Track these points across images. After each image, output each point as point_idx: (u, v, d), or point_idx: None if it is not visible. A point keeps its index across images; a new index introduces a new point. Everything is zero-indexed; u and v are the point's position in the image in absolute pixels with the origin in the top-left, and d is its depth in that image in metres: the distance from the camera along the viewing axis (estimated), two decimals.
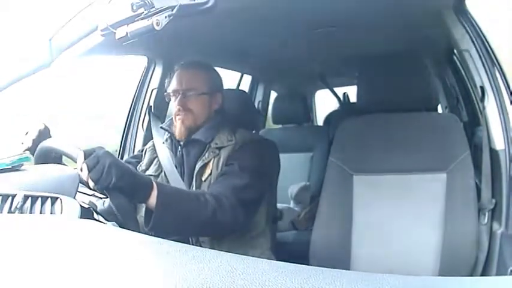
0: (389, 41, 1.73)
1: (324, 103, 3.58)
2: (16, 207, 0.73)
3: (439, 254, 1.21)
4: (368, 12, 1.34)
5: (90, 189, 0.94)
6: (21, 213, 0.73)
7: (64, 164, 1.03)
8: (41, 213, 0.74)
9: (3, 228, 0.59)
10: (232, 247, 1.17)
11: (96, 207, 1.03)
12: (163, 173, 1.24)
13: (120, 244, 0.54)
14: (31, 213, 0.74)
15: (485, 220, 1.20)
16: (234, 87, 2.39)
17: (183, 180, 1.22)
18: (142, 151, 1.37)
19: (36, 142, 1.04)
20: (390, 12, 1.37)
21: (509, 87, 1.23)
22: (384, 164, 1.31)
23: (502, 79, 1.22)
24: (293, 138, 2.36)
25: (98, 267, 0.45)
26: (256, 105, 2.66)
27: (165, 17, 0.74)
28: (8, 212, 0.73)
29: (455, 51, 1.76)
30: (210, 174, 1.18)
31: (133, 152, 1.67)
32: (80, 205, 0.78)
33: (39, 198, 0.76)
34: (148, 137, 1.59)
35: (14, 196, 0.75)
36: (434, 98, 1.44)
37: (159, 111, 1.64)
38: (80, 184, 0.89)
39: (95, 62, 1.69)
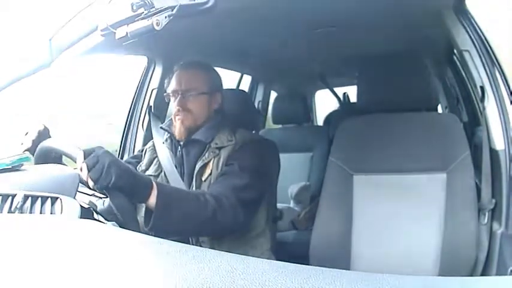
0: (389, 41, 1.73)
1: (324, 103, 3.58)
2: (16, 207, 0.73)
3: (439, 254, 1.21)
4: (368, 12, 1.34)
5: (90, 188, 0.94)
6: (21, 213, 0.73)
7: (64, 164, 1.03)
8: (41, 213, 0.74)
9: (3, 228, 0.59)
10: (232, 247, 1.17)
11: (96, 207, 1.03)
12: (163, 173, 1.24)
13: (120, 244, 0.54)
14: (31, 213, 0.74)
15: (485, 220, 1.19)
16: (234, 87, 2.39)
17: (183, 180, 1.22)
18: (142, 151, 1.37)
19: (36, 142, 1.04)
20: (390, 12, 1.37)
21: (509, 87, 1.23)
22: (384, 164, 1.31)
23: (502, 79, 1.22)
24: (293, 138, 2.36)
25: (98, 267, 0.45)
26: (256, 105, 2.66)
27: (165, 17, 0.74)
28: (8, 212, 0.73)
29: (455, 51, 1.76)
30: (210, 174, 1.18)
31: (133, 152, 1.67)
32: (80, 205, 0.78)
33: (39, 198, 0.76)
34: (148, 137, 1.59)
35: (14, 196, 0.75)
36: (434, 98, 1.44)
37: (159, 111, 1.64)
38: (80, 184, 0.89)
39: (95, 62, 1.69)
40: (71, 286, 0.41)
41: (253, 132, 1.52)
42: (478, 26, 1.25)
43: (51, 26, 1.04)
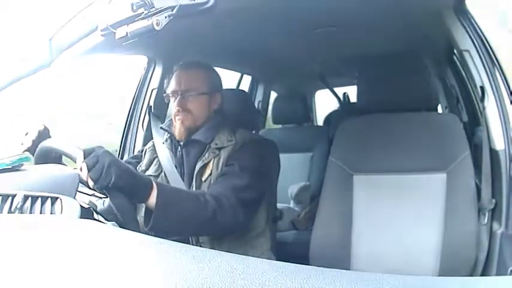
0: (389, 41, 1.73)
1: (324, 103, 3.58)
2: (16, 207, 0.73)
3: (439, 254, 1.21)
4: (368, 12, 1.34)
5: (90, 188, 0.94)
6: (21, 213, 0.73)
7: (64, 164, 1.03)
8: (41, 213, 0.74)
9: (3, 228, 0.59)
10: (232, 247, 1.17)
11: (96, 207, 1.03)
12: (163, 173, 1.24)
13: (120, 244, 0.54)
14: (31, 213, 0.74)
15: (485, 220, 1.20)
16: (234, 87, 2.39)
17: (183, 180, 1.22)
18: (142, 151, 1.36)
19: (36, 142, 1.04)
20: (390, 12, 1.37)
21: (509, 87, 1.23)
22: (384, 164, 1.31)
23: (502, 79, 1.22)
24: (293, 138, 2.36)
25: (98, 267, 0.45)
26: (256, 105, 2.66)
27: (165, 17, 0.74)
28: (8, 212, 0.73)
29: (455, 51, 1.76)
30: (210, 174, 1.18)
31: (134, 152, 1.67)
32: (80, 205, 0.78)
33: (39, 198, 0.76)
34: (148, 137, 1.59)
35: (14, 196, 0.75)
36: (434, 98, 1.44)
37: (159, 111, 1.64)
38: (80, 184, 0.89)
39: (95, 62, 1.69)
40: (71, 286, 0.41)
41: (253, 132, 1.51)
42: (478, 26, 1.25)
43: (51, 26, 1.04)
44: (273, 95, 2.84)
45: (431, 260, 1.21)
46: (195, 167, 1.19)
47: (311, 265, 0.45)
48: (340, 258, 1.26)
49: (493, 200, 1.19)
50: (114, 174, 0.86)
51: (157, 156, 1.28)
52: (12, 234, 0.56)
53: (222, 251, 0.49)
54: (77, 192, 0.87)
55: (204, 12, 0.75)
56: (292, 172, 2.21)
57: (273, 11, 1.30)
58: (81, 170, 0.89)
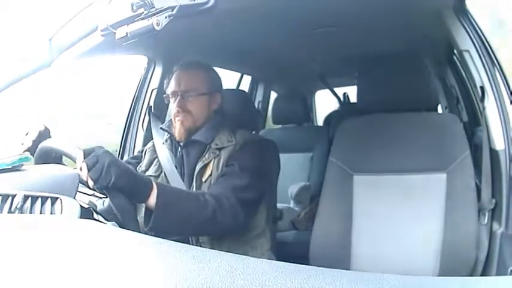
0: (389, 41, 1.73)
1: (324, 103, 3.58)
2: (16, 207, 0.73)
3: (439, 254, 1.21)
4: (368, 12, 1.34)
5: (90, 188, 0.94)
6: (21, 213, 0.73)
7: (64, 164, 1.03)
8: (41, 213, 0.74)
9: (3, 228, 0.59)
10: (232, 247, 1.17)
11: (96, 207, 1.03)
12: (163, 173, 1.24)
13: (120, 244, 0.54)
14: (31, 213, 0.74)
15: (485, 220, 1.20)
16: (234, 87, 2.39)
17: (183, 181, 1.22)
18: (142, 152, 1.36)
19: (36, 142, 1.04)
20: (390, 12, 1.37)
21: (509, 87, 1.23)
22: (384, 164, 1.31)
23: (502, 79, 1.22)
24: (293, 138, 2.36)
25: (98, 267, 0.45)
26: (256, 105, 2.66)
27: (165, 17, 0.74)
28: (8, 212, 0.73)
29: (455, 51, 1.76)
30: (211, 175, 1.18)
31: (133, 152, 1.67)
32: (80, 205, 0.78)
33: (39, 198, 0.76)
34: (148, 137, 1.59)
35: (14, 196, 0.75)
36: (434, 98, 1.44)
37: (159, 111, 1.64)
38: (80, 184, 0.89)
39: (95, 62, 1.69)
40: (71, 286, 0.41)
41: (253, 132, 1.52)
42: (478, 26, 1.25)
43: (51, 26, 1.04)
44: (273, 95, 2.84)
45: (431, 260, 1.21)
46: (195, 167, 1.19)
47: (311, 265, 0.45)
48: (340, 258, 1.26)
49: (493, 200, 1.19)
50: (114, 174, 0.86)
51: (157, 157, 1.28)
52: (12, 234, 0.56)
53: (222, 251, 0.49)
54: (77, 192, 0.87)
55: (204, 12, 0.75)
56: (292, 172, 2.21)
57: (273, 11, 1.30)
58: (81, 170, 0.89)
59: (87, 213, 0.84)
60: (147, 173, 1.27)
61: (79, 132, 2.75)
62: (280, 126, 2.59)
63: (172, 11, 0.74)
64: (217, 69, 1.34)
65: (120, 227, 0.86)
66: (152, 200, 0.94)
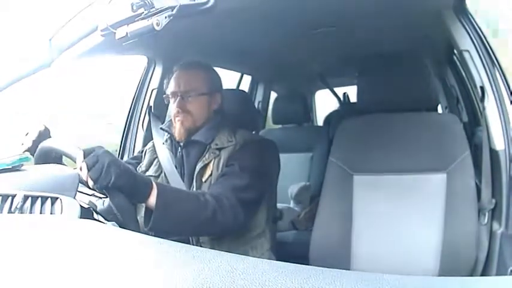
0: (389, 41, 1.73)
1: (324, 103, 3.58)
2: (16, 207, 0.73)
3: (439, 254, 1.21)
4: (368, 12, 1.34)
5: (90, 188, 0.94)
6: (21, 213, 0.73)
7: (64, 164, 1.03)
8: (41, 213, 0.74)
9: (3, 228, 0.59)
10: (232, 247, 1.17)
11: (96, 207, 1.03)
12: (163, 173, 1.24)
13: (120, 244, 0.54)
14: (31, 213, 0.74)
15: (485, 220, 1.20)
16: (234, 87, 2.39)
17: (183, 181, 1.22)
18: (142, 152, 1.36)
19: (36, 142, 1.04)
20: (390, 12, 1.37)
21: (509, 87, 1.23)
22: (384, 164, 1.31)
23: (502, 79, 1.22)
24: (293, 138, 2.36)
25: (98, 267, 0.45)
26: (256, 105, 2.66)
27: (165, 17, 0.74)
28: (8, 212, 0.73)
29: (455, 51, 1.76)
30: (211, 175, 1.18)
31: (133, 152, 1.67)
32: (80, 205, 0.78)
33: (39, 198, 0.76)
34: (148, 137, 1.59)
35: (14, 196, 0.75)
36: (434, 98, 1.44)
37: (159, 111, 1.64)
38: (80, 184, 0.89)
39: (95, 62, 1.69)
40: (71, 286, 0.41)
41: (253, 132, 1.52)
42: (478, 26, 1.25)
43: (51, 26, 1.04)
44: (273, 95, 2.84)
45: (431, 260, 1.21)
46: (195, 167, 1.19)
47: (311, 265, 0.45)
48: (340, 258, 1.26)
49: (493, 200, 1.19)
50: (114, 174, 0.86)
51: (157, 157, 1.28)
52: (12, 234, 0.56)
53: (222, 251, 0.49)
54: (77, 192, 0.87)
55: (204, 12, 0.75)
56: (292, 172, 2.21)
57: (273, 11, 1.30)
58: (81, 169, 0.89)
59: (87, 213, 0.84)
60: (147, 173, 1.27)
61: (80, 132, 2.75)
62: (280, 126, 2.59)
63: (172, 11, 0.74)
64: (217, 69, 1.34)
65: (120, 227, 0.86)
66: (152, 200, 0.94)
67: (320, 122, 3.46)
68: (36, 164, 1.00)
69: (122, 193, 0.88)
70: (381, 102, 1.37)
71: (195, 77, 1.23)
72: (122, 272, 0.44)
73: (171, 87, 1.24)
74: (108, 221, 0.93)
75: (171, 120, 1.26)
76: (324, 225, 1.31)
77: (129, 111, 1.75)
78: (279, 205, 1.62)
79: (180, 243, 0.50)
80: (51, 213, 0.74)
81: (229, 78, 2.36)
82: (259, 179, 1.15)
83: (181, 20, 0.75)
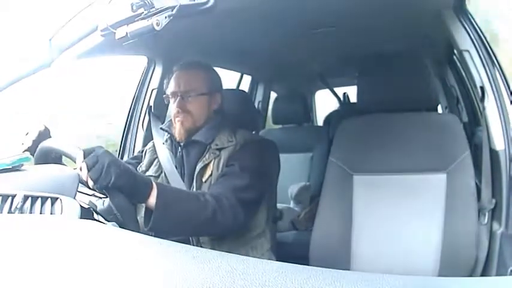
0: (389, 41, 1.73)
1: (324, 103, 3.58)
2: (16, 207, 0.73)
3: (439, 254, 1.21)
4: (368, 12, 1.34)
5: (90, 188, 0.94)
6: (21, 213, 0.73)
7: (64, 164, 1.03)
8: (41, 213, 0.74)
9: (3, 228, 0.59)
10: (232, 247, 1.17)
11: (96, 207, 1.03)
12: (163, 173, 1.24)
13: (120, 244, 0.54)
14: (31, 213, 0.74)
15: (485, 220, 1.20)
16: (234, 87, 2.39)
17: (183, 181, 1.22)
18: (142, 152, 1.36)
19: (36, 142, 1.04)
20: (390, 12, 1.37)
21: (509, 87, 1.23)
22: (384, 164, 1.31)
23: (502, 79, 1.22)
24: (293, 139, 2.36)
25: (98, 267, 0.45)
26: (256, 105, 2.66)
27: (165, 17, 0.74)
28: (8, 212, 0.73)
29: (455, 51, 1.76)
30: (211, 175, 1.18)
31: (134, 152, 1.67)
32: (80, 205, 0.78)
33: (39, 199, 0.76)
34: (148, 137, 1.59)
35: (14, 196, 0.75)
36: (434, 98, 1.44)
37: (159, 111, 1.64)
38: (80, 184, 0.89)
39: (95, 62, 1.69)
40: (71, 286, 0.41)
41: (253, 132, 1.52)
42: (478, 26, 1.25)
43: (51, 26, 1.04)
44: (273, 95, 2.84)
45: (431, 260, 1.21)
46: (195, 167, 1.19)
47: (311, 265, 0.45)
48: (340, 258, 1.26)
49: (493, 200, 1.19)
50: (114, 174, 0.86)
51: (157, 157, 1.28)
52: (12, 234, 0.56)
53: (222, 251, 0.49)
54: (77, 192, 0.87)
55: (204, 12, 0.75)
56: (292, 172, 2.21)
57: (273, 11, 1.30)
58: (81, 170, 0.89)
59: (87, 213, 0.84)
60: (147, 173, 1.27)
61: (80, 132, 2.75)
62: (280, 126, 2.59)
63: (172, 11, 0.74)
64: (217, 69, 1.34)
65: (120, 227, 0.86)
66: (152, 200, 0.94)
67: (320, 122, 3.46)
68: (36, 164, 1.00)
69: (122, 193, 0.88)
70: (381, 102, 1.37)
71: (195, 77, 1.23)
72: (122, 272, 0.44)
73: (171, 87, 1.24)
74: (108, 221, 0.93)
75: (171, 120, 1.26)
76: (324, 225, 1.31)
77: (129, 111, 1.75)
78: (279, 205, 1.62)
79: (180, 244, 0.50)
80: (51, 214, 0.74)
81: (229, 78, 2.36)
82: (259, 179, 1.15)
83: (181, 20, 0.75)
